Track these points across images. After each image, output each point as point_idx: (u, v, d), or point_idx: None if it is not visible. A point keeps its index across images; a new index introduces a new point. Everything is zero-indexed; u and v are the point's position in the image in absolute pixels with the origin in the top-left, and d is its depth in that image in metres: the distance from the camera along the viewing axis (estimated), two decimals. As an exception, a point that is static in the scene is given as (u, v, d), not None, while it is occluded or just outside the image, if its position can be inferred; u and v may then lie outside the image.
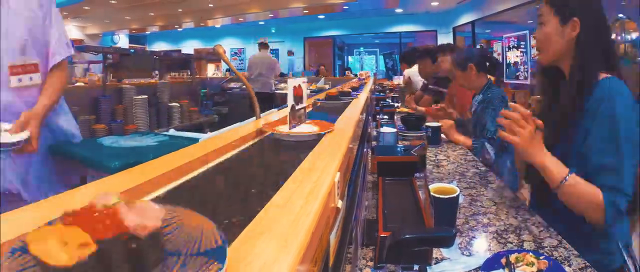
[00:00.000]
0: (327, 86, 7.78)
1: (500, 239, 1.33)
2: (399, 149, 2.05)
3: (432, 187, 1.39)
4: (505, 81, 8.80)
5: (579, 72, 1.43)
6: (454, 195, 1.34)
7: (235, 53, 17.03)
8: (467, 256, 1.22)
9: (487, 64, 2.75)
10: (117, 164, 1.56)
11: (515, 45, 8.72)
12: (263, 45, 8.32)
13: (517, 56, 8.69)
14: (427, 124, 2.86)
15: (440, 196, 1.33)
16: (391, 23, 14.48)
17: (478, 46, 3.67)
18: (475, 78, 2.74)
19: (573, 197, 1.34)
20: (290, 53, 16.21)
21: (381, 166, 1.83)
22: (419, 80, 5.17)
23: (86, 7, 12.16)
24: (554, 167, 1.35)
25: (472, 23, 11.36)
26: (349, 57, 18.12)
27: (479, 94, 2.74)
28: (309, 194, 0.62)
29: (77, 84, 5.93)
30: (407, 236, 0.92)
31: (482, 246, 1.29)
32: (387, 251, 0.92)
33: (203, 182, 0.84)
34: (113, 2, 11.36)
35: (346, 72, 13.84)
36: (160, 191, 0.74)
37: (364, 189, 1.38)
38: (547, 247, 1.26)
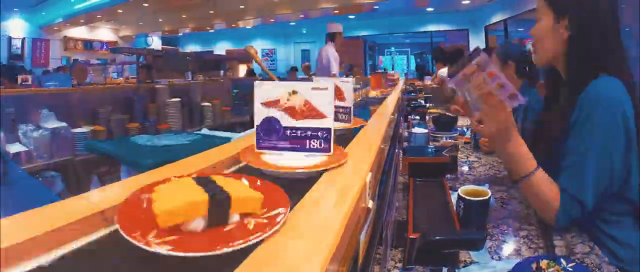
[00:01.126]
0: (358, 86, 7.78)
1: (531, 243, 1.30)
2: (430, 150, 2.05)
3: (462, 189, 1.38)
4: (539, 81, 8.53)
5: (570, 72, 1.41)
6: (485, 197, 1.33)
7: (267, 54, 17.15)
8: (497, 260, 1.20)
9: (526, 68, 2.65)
10: (150, 161, 1.60)
11: None
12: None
13: None
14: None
15: (471, 198, 1.32)
16: (422, 22, 14.32)
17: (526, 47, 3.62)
18: (512, 77, 2.62)
19: (533, 192, 1.33)
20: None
21: (412, 166, 1.83)
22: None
23: (120, 10, 12.44)
24: (524, 158, 1.33)
25: (505, 21, 11.07)
26: (380, 57, 18.00)
27: None
28: (340, 194, 0.63)
29: (111, 84, 6.07)
30: (437, 237, 0.93)
31: (512, 251, 1.27)
32: (416, 253, 0.93)
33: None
34: (146, 5, 11.58)
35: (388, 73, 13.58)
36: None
37: (394, 189, 1.38)
38: (578, 253, 1.23)
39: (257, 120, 0.88)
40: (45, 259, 0.48)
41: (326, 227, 0.50)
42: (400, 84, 4.34)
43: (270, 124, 0.88)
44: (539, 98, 2.47)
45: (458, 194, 1.36)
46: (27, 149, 3.67)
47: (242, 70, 12.06)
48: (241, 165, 0.92)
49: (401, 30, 15.26)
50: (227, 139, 1.58)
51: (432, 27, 14.41)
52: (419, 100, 4.88)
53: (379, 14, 13.33)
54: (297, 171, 0.79)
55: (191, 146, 1.98)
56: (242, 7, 12.07)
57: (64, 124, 3.94)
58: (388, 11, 12.76)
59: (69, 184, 3.78)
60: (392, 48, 17.94)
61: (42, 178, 3.60)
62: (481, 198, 1.32)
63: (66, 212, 0.55)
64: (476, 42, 11.69)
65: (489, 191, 1.35)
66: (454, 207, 1.37)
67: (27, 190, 2.09)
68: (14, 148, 3.66)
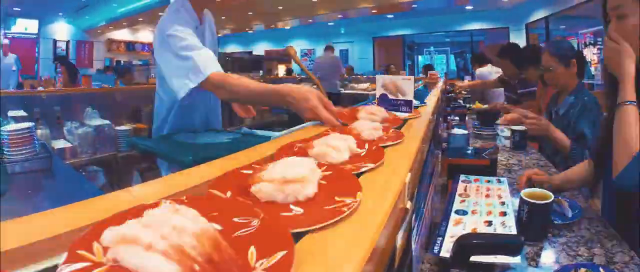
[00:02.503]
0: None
1: (569, 251, 1.26)
2: (469, 151, 2.01)
3: (524, 192, 1.34)
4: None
5: None
6: (549, 201, 1.29)
7: (305, 54, 17.22)
8: (534, 266, 1.17)
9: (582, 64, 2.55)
10: (191, 158, 1.62)
11: (592, 42, 8.11)
12: (329, 48, 8.79)
13: (594, 54, 8.08)
14: (513, 127, 2.64)
15: (535, 201, 1.28)
16: (461, 21, 14.05)
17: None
18: (572, 77, 2.48)
19: (625, 121, 1.26)
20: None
21: (451, 168, 1.80)
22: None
23: (161, 13, 12.71)
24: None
25: (546, 19, 10.68)
26: (419, 56, 17.78)
27: (571, 96, 2.47)
28: (380, 193, 0.63)
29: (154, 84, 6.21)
30: (474, 241, 0.91)
31: (550, 258, 1.22)
32: (452, 257, 0.91)
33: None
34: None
35: (429, 72, 13.02)
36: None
37: (433, 191, 1.36)
38: (618, 262, 1.18)
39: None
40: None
41: (365, 227, 0.50)
42: (440, 84, 4.28)
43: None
44: (593, 97, 2.40)
45: (521, 197, 1.32)
46: (71, 145, 3.82)
47: (281, 70, 12.15)
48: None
49: (440, 29, 15.02)
50: (267, 138, 1.60)
51: (471, 26, 14.12)
52: (458, 100, 4.80)
53: (418, 13, 13.18)
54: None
55: (231, 144, 2.00)
56: (281, 8, 12.16)
57: (107, 121, 4.08)
58: (427, 10, 12.61)
59: (110, 179, 3.91)
60: (431, 47, 17.67)
61: (85, 172, 3.73)
62: (545, 201, 1.28)
63: (112, 205, 0.57)
64: (516, 41, 11.38)
65: (551, 193, 1.31)
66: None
67: (70, 183, 2.18)
68: (59, 144, 3.81)
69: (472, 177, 1.79)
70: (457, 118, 3.42)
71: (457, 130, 2.38)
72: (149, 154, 2.02)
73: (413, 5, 11.48)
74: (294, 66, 12.14)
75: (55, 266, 0.47)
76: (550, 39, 10.49)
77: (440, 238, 1.20)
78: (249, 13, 13.06)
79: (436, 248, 1.14)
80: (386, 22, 15.03)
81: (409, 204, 0.72)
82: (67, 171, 2.38)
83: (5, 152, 2.19)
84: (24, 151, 2.20)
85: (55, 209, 0.58)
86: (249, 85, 1.78)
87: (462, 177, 1.79)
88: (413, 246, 0.79)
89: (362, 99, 6.71)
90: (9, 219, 0.56)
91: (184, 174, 0.76)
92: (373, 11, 12.05)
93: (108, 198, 0.64)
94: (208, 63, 1.86)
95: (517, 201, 1.38)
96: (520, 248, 0.91)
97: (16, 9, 12.82)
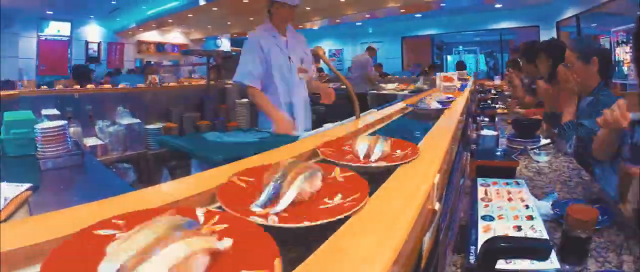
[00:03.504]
0: (425, 87, 7.65)
1: (598, 257, 1.22)
2: (498, 153, 1.98)
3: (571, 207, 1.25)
4: (613, 81, 7.87)
5: None
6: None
7: (333, 54, 17.21)
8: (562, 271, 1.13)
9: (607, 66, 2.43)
10: (220, 157, 1.64)
11: (625, 40, 7.82)
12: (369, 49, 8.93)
13: (626, 52, 7.79)
14: None
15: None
16: (491, 20, 13.73)
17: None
18: (593, 75, 2.35)
19: None
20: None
21: (480, 169, 1.78)
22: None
23: (190, 15, 12.89)
24: None
25: (577, 16, 10.26)
26: (448, 56, 17.53)
27: (589, 96, 2.38)
28: (409, 194, 0.62)
29: (183, 84, 6.34)
30: (502, 244, 0.89)
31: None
32: (479, 259, 0.90)
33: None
34: (215, 9, 11.91)
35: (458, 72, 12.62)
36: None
37: (460, 193, 1.34)
38: None
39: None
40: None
41: (393, 227, 0.50)
42: (469, 84, 4.23)
43: None
44: (613, 97, 2.30)
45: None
46: (102, 142, 3.93)
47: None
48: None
49: (469, 28, 14.73)
50: (295, 138, 1.60)
51: (501, 25, 13.82)
52: (488, 101, 4.73)
53: (446, 11, 12.99)
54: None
55: (260, 144, 2.01)
56: (308, 8, 12.17)
57: (138, 120, 4.17)
58: (455, 9, 12.42)
59: (140, 176, 3.99)
60: (460, 47, 17.40)
61: (116, 169, 3.82)
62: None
63: (141, 200, 0.58)
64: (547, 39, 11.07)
65: (598, 209, 1.26)
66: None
67: (101, 179, 2.23)
68: (91, 141, 3.93)
69: (490, 180, 1.75)
70: (486, 119, 3.37)
71: (486, 132, 2.35)
72: (179, 152, 2.05)
73: (441, 4, 11.32)
74: (323, 66, 12.15)
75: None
76: (588, 35, 10.13)
77: (474, 247, 1.17)
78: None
79: (472, 258, 1.12)
80: (414, 21, 14.89)
81: (437, 206, 0.71)
82: (98, 168, 2.43)
83: (38, 149, 2.25)
84: (56, 148, 2.26)
85: (86, 204, 0.59)
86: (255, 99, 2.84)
87: (480, 180, 1.75)
88: (440, 249, 0.78)
89: (391, 99, 6.65)
90: (42, 212, 0.58)
91: (213, 172, 0.76)
92: (401, 10, 11.94)
93: (138, 194, 0.65)
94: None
95: (542, 204, 1.35)
96: (549, 252, 0.88)
97: (49, 12, 13.22)
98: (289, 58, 2.94)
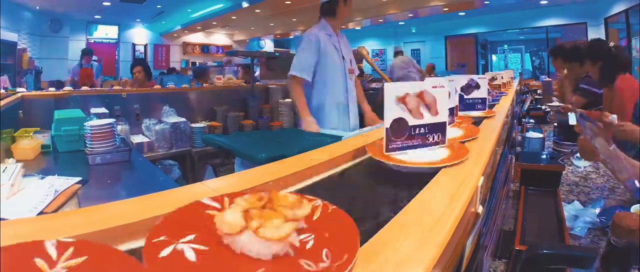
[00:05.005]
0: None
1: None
2: (545, 156, 1.93)
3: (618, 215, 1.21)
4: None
5: None
6: None
7: (376, 54, 17.12)
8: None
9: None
10: (264, 155, 1.66)
11: None
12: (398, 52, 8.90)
13: None
14: None
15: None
16: (536, 17, 13.24)
17: (611, 44, 3.11)
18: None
19: None
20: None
21: (524, 173, 1.73)
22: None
23: (233, 17, 13.12)
24: None
25: (626, 12, 9.71)
26: (493, 55, 17.10)
27: None
28: (452, 196, 0.61)
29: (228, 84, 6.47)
30: (545, 251, 0.87)
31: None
32: (521, 266, 0.87)
33: (354, 175, 0.87)
34: (258, 11, 12.06)
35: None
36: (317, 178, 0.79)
37: (504, 197, 1.31)
38: None
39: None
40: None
41: (435, 229, 0.49)
42: (515, 85, 4.13)
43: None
44: None
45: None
46: (149, 140, 4.06)
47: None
48: (359, 159, 0.93)
49: (514, 26, 14.29)
50: (339, 138, 1.60)
51: (547, 22, 13.31)
52: (534, 102, 4.60)
53: (491, 9, 12.68)
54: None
55: (303, 143, 2.03)
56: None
57: (183, 119, 4.29)
58: (500, 6, 12.09)
59: (185, 172, 4.09)
60: (505, 46, 16.92)
61: (161, 166, 3.93)
62: None
63: (186, 196, 0.59)
64: (595, 36, 10.54)
65: None
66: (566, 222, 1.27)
67: (147, 175, 2.31)
68: (138, 139, 4.07)
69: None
70: (532, 121, 3.27)
71: (532, 134, 2.28)
72: (223, 150, 2.08)
73: (485, 2, 11.08)
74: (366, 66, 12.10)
75: (132, 251, 0.50)
76: (632, 34, 9.60)
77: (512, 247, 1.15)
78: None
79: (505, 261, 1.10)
80: (458, 20, 14.60)
81: (480, 209, 0.70)
82: (144, 164, 2.51)
83: (87, 145, 2.35)
84: (105, 145, 2.35)
85: (133, 198, 0.61)
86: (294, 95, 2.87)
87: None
88: (481, 253, 0.77)
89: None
90: (89, 205, 0.60)
91: (255, 171, 0.77)
92: (444, 9, 11.76)
93: (182, 190, 0.66)
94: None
95: (588, 211, 1.30)
96: (594, 261, 0.85)
97: (97, 16, 13.83)
98: (343, 58, 2.99)
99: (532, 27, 13.89)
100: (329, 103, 2.87)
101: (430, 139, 0.96)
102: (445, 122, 0.98)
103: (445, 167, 0.79)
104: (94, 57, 9.15)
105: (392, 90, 0.91)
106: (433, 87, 0.96)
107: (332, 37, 3.00)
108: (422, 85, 0.95)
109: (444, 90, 0.98)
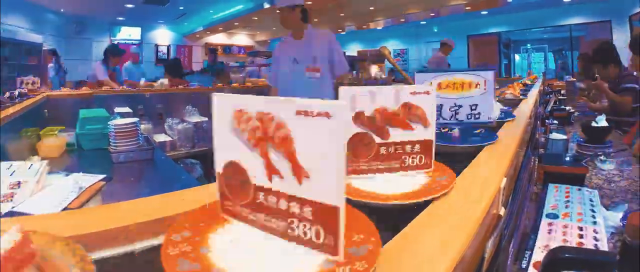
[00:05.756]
0: (496, 86, 7.43)
1: None
2: (568, 158, 1.90)
3: (633, 215, 1.18)
4: None
5: None
6: None
7: (398, 54, 17.02)
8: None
9: None
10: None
11: None
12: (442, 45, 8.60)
13: None
14: None
15: None
16: (559, 15, 12.90)
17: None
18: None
19: None
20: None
21: (548, 175, 1.71)
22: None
23: (255, 18, 13.22)
24: None
25: None
26: (516, 55, 16.80)
27: None
28: (474, 197, 0.61)
29: (248, 84, 6.52)
30: (566, 255, 0.85)
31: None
32: (541, 269, 0.86)
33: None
34: (278, 11, 12.14)
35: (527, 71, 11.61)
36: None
37: (526, 199, 1.30)
38: None
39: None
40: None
41: (455, 231, 0.49)
42: (538, 85, 4.06)
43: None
44: None
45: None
46: (171, 139, 4.11)
47: (373, 70, 12.10)
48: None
49: (537, 24, 14.00)
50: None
51: (570, 20, 12.98)
52: (557, 103, 4.52)
53: (513, 8, 12.46)
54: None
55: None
56: (372, 8, 12.12)
57: (205, 118, 4.34)
58: (523, 5, 11.88)
59: (206, 171, 4.14)
60: (528, 45, 16.61)
61: (183, 164, 3.98)
62: None
63: (207, 194, 0.60)
64: (620, 36, 10.29)
65: None
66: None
67: (169, 173, 2.35)
68: (160, 138, 4.13)
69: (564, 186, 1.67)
70: (556, 122, 3.22)
71: (555, 135, 2.24)
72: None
73: (508, 0, 10.91)
74: (387, 66, 12.04)
75: (155, 246, 0.51)
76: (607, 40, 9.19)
77: (529, 252, 1.13)
78: (341, 14, 13.14)
79: (524, 263, 1.08)
80: (480, 19, 14.41)
81: (502, 211, 0.69)
82: (166, 162, 2.55)
83: (111, 143, 2.40)
84: (128, 143, 2.40)
85: (155, 196, 0.62)
86: None
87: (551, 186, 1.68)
88: (502, 256, 0.76)
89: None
90: (113, 202, 0.61)
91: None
92: (466, 8, 11.61)
93: (204, 189, 0.67)
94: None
95: (611, 214, 1.28)
96: (615, 267, 0.83)
97: (120, 18, 14.20)
98: (295, 60, 3.32)
99: (556, 26, 13.60)
100: None
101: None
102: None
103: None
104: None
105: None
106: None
107: (286, 43, 3.47)
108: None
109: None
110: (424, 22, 15.36)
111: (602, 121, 2.45)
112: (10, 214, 1.01)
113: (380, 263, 0.41)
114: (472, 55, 15.50)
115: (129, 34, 15.01)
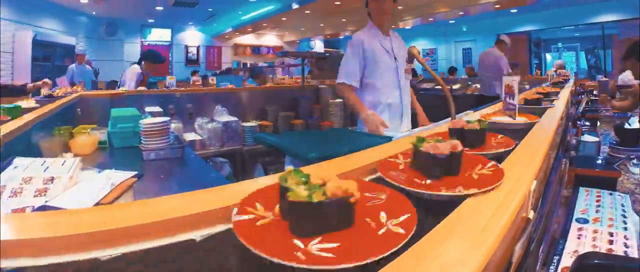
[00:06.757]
0: (526, 86, 7.28)
1: None
2: (600, 161, 1.85)
3: None
4: None
5: None
6: None
7: (427, 54, 16.90)
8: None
9: None
10: (314, 154, 1.67)
11: None
12: (498, 42, 7.64)
13: None
14: None
15: None
16: (591, 13, 12.42)
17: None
18: None
19: None
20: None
21: (579, 179, 1.68)
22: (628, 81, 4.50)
23: (283, 18, 13.29)
24: None
25: None
26: (547, 54, 16.40)
27: None
28: (503, 199, 0.60)
29: (279, 84, 6.58)
30: (595, 261, 0.84)
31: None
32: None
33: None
34: (307, 12, 12.14)
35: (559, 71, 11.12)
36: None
37: (556, 202, 1.28)
38: None
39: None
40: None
41: (483, 234, 0.49)
42: (570, 85, 3.98)
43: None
44: None
45: None
46: (201, 138, 4.18)
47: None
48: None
49: (568, 22, 13.58)
50: (389, 139, 1.60)
51: (602, 18, 12.51)
52: (589, 103, 4.41)
53: (543, 6, 12.20)
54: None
55: (353, 143, 2.03)
56: (400, 7, 12.04)
57: (235, 118, 4.41)
58: (553, 2, 11.61)
59: (235, 170, 4.19)
60: (559, 44, 16.17)
61: (212, 163, 4.04)
62: None
63: (234, 192, 0.61)
64: None
65: None
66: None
67: (199, 171, 2.39)
68: (190, 136, 4.20)
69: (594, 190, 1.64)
70: (588, 123, 3.14)
71: (587, 137, 2.19)
72: (274, 148, 2.12)
73: (538, -3, 10.66)
74: (417, 66, 11.94)
75: (185, 241, 0.52)
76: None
77: (557, 257, 1.11)
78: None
79: (552, 268, 1.06)
80: (510, 17, 14.14)
81: (531, 214, 0.69)
82: (196, 161, 2.59)
83: (142, 142, 2.47)
84: (159, 141, 2.45)
85: (185, 193, 0.64)
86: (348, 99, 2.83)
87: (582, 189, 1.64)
88: (531, 260, 0.75)
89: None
90: (144, 198, 0.63)
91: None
92: (496, 6, 11.41)
93: (233, 187, 0.68)
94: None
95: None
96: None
97: (150, 20, 14.65)
98: (395, 59, 2.89)
99: (587, 24, 13.18)
100: (382, 104, 2.81)
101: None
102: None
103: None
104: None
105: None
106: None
107: (379, 37, 2.90)
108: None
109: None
110: (453, 21, 15.20)
111: (635, 123, 2.39)
112: (43, 208, 1.04)
113: (406, 264, 0.41)
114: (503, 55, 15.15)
115: (159, 35, 15.39)
